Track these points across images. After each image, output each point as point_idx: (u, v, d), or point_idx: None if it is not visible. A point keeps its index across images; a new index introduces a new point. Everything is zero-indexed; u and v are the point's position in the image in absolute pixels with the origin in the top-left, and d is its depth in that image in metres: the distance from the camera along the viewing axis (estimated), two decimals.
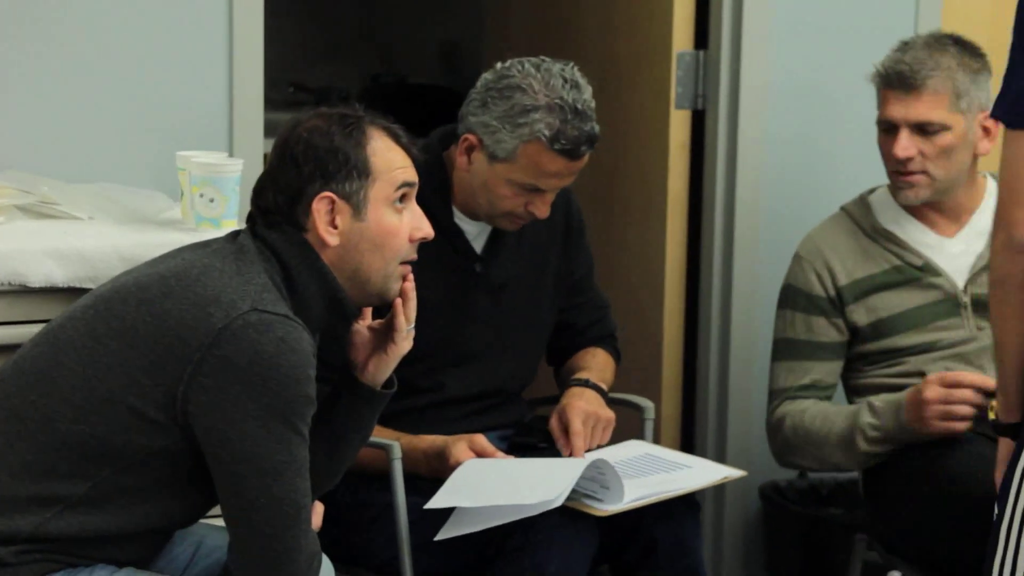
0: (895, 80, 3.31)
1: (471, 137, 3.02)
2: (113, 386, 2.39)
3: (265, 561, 2.42)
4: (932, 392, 3.16)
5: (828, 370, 3.41)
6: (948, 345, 3.35)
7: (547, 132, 2.96)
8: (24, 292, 2.82)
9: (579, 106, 2.97)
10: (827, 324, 3.40)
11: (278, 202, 2.52)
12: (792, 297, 3.44)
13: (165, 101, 3.42)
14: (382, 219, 2.54)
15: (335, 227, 2.52)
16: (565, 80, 2.98)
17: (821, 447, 3.34)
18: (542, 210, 3.05)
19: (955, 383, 3.16)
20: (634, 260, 4.16)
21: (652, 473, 3.01)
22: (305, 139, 2.52)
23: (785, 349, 3.43)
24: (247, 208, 3.28)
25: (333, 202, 2.51)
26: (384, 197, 2.54)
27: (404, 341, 2.64)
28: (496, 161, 3.00)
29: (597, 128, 3.00)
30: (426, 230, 2.59)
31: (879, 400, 3.28)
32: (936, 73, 3.28)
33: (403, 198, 2.56)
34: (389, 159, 2.55)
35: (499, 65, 3.04)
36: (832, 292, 3.40)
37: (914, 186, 3.33)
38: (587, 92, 3.00)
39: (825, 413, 3.34)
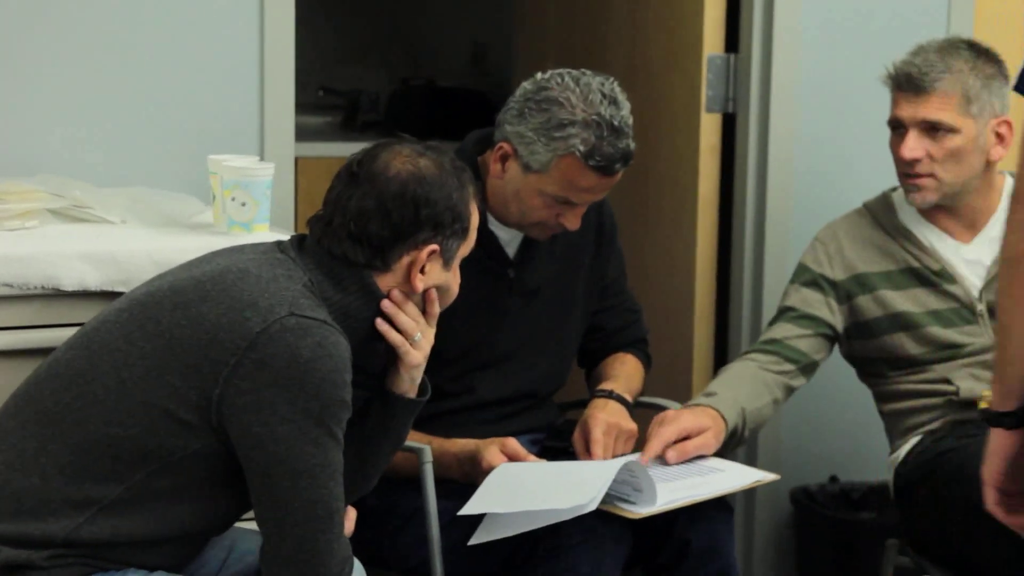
0: (904, 81, 3.31)
1: (506, 146, 3.02)
2: (147, 389, 2.40)
3: (297, 564, 2.42)
4: None
5: (801, 337, 3.37)
6: (972, 353, 3.33)
7: (582, 148, 2.95)
8: (57, 295, 2.83)
9: (616, 123, 2.96)
10: (822, 301, 3.39)
11: (382, 235, 2.53)
12: (798, 273, 3.45)
13: (197, 105, 3.43)
14: (456, 272, 2.64)
15: (423, 273, 2.57)
16: (604, 96, 2.97)
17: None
18: (573, 223, 3.04)
19: None
20: (664, 263, 4.16)
21: (685, 476, 3.00)
22: (428, 185, 2.54)
23: (774, 317, 3.44)
24: (279, 212, 3.33)
25: (435, 253, 2.56)
26: (463, 254, 2.63)
27: (408, 355, 2.63)
28: (530, 172, 2.99)
29: (633, 145, 2.99)
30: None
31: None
32: (945, 75, 3.27)
33: None
34: (475, 222, 2.63)
35: (539, 75, 3.03)
36: (840, 275, 3.39)
37: (921, 189, 3.32)
38: (625, 108, 2.99)
39: (733, 373, 3.32)
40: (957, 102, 3.27)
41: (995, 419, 2.46)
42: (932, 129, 3.28)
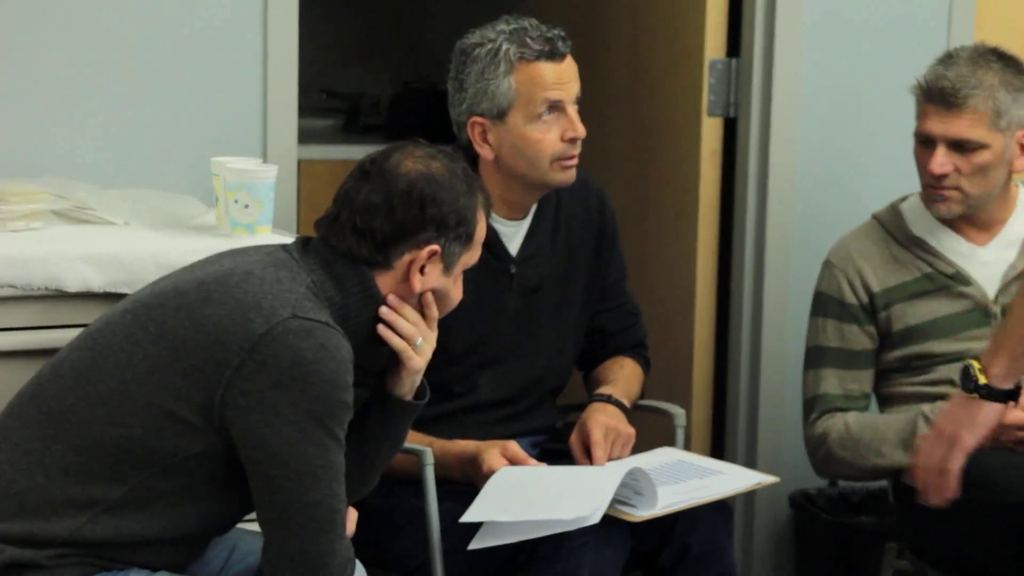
0: (936, 96, 3.27)
1: (475, 119, 3.05)
2: (151, 390, 2.41)
3: (299, 565, 2.43)
4: (1013, 417, 3.15)
5: (862, 379, 3.40)
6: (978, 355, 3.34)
7: (521, 52, 3.03)
8: (61, 297, 2.84)
9: (530, 24, 3.07)
10: (860, 332, 3.39)
11: (385, 231, 2.54)
12: (824, 304, 3.43)
13: (200, 107, 3.43)
14: (458, 281, 2.65)
15: (423, 273, 2.57)
16: (506, 20, 3.08)
17: (869, 459, 3.32)
18: (578, 127, 3.07)
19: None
20: (666, 267, 4.16)
21: (685, 479, 3.01)
22: (436, 185, 2.56)
23: (818, 357, 3.42)
24: (282, 214, 3.33)
25: (436, 254, 2.56)
26: (466, 263, 2.64)
27: (411, 360, 2.64)
28: (507, 114, 3.03)
29: (561, 30, 3.08)
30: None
31: (935, 413, 3.26)
32: (978, 92, 3.24)
33: None
34: (481, 233, 2.64)
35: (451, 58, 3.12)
36: (864, 299, 3.39)
37: (947, 200, 3.31)
38: (533, 20, 3.10)
39: (873, 425, 3.33)
40: (989, 119, 3.24)
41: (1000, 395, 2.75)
42: (961, 144, 3.27)
